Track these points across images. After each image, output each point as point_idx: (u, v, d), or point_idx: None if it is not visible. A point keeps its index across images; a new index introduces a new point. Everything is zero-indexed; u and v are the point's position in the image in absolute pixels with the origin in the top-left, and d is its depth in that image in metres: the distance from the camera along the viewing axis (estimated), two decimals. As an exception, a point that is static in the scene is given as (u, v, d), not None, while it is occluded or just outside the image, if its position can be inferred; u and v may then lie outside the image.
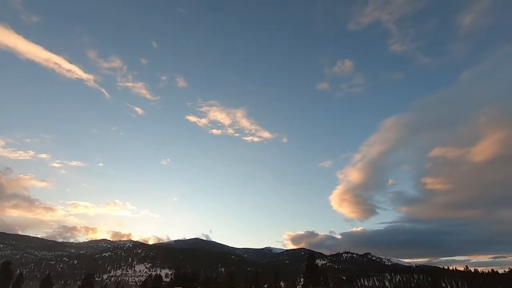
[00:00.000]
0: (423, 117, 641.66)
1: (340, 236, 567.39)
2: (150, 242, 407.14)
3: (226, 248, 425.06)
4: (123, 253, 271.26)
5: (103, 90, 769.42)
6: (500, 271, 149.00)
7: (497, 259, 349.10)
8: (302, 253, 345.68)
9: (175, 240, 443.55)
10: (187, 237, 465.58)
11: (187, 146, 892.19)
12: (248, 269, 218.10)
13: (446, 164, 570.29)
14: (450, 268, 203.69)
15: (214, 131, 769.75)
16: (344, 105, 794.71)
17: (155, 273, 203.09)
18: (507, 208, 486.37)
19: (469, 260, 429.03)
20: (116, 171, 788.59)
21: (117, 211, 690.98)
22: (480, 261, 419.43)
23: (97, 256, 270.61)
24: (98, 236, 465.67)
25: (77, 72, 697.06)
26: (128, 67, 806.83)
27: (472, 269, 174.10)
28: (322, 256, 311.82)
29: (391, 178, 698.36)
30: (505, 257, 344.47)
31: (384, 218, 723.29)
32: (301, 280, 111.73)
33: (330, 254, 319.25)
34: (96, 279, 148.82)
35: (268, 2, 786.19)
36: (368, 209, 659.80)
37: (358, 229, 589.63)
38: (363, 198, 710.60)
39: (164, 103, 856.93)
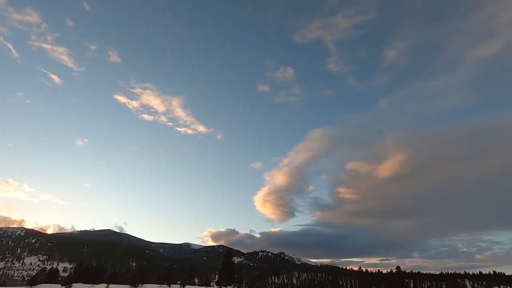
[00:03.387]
0: (345, 132, 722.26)
1: (259, 235, 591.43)
2: (49, 232, 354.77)
3: (140, 242, 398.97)
4: (10, 242, 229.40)
5: (9, 45, 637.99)
6: (384, 271, 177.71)
7: (383, 261, 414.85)
8: (221, 250, 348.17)
9: (81, 231, 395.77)
10: (97, 228, 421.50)
11: (110, 128, 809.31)
12: (163, 264, 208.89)
13: (357, 177, 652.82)
14: (348, 268, 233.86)
15: (145, 116, 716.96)
16: (280, 111, 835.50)
17: (51, 266, 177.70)
18: (395, 219, 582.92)
19: (363, 261, 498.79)
20: (14, 145, 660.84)
21: (9, 192, 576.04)
22: (371, 263, 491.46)
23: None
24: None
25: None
26: (48, 26, 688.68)
27: (364, 269, 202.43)
28: (239, 253, 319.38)
29: (311, 185, 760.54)
30: (389, 260, 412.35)
31: (301, 221, 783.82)
32: (216, 277, 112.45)
33: (247, 252, 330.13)
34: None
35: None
36: (287, 211, 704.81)
37: (277, 229, 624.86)
38: (285, 201, 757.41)
39: (89, 76, 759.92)
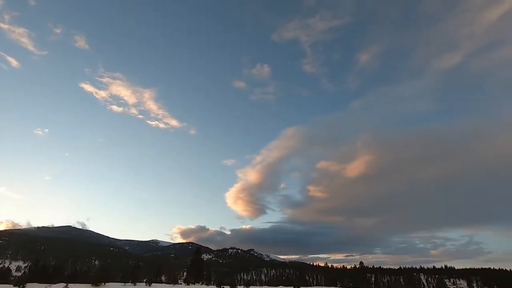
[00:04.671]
0: (318, 132, 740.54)
1: (229, 232, 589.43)
2: (1, 228, 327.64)
3: (105, 239, 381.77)
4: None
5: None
6: (349, 267, 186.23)
7: (348, 257, 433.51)
8: (190, 247, 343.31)
9: (38, 227, 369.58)
10: (57, 224, 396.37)
11: (75, 117, 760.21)
12: (129, 262, 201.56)
13: (327, 176, 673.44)
14: (314, 264, 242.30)
15: (114, 107, 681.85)
16: (255, 108, 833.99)
17: (2, 265, 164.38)
18: (360, 217, 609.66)
19: (329, 257, 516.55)
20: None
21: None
22: (336, 259, 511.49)
23: None
24: None
25: None
26: (6, 3, 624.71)
27: (330, 265, 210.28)
28: (209, 251, 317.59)
29: (283, 182, 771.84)
30: (353, 255, 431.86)
31: (271, 218, 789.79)
32: (185, 274, 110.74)
33: (217, 249, 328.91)
34: None
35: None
36: (259, 208, 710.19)
37: (247, 226, 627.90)
38: (256, 198, 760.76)
39: (52, 61, 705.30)
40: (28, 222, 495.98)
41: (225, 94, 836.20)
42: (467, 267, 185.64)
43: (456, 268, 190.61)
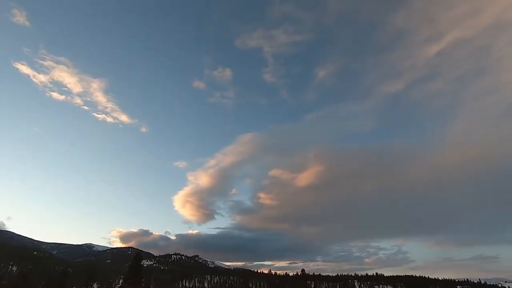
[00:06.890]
0: (273, 141, 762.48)
1: (174, 237, 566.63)
2: None
3: (27, 242, 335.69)
4: None
5: None
6: (291, 274, 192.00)
7: (291, 264, 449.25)
8: (129, 252, 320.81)
9: None
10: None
11: (5, 101, 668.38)
12: (55, 268, 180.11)
13: (278, 184, 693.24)
14: (259, 271, 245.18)
15: (55, 94, 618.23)
16: (213, 111, 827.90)
17: None
18: (306, 225, 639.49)
19: (273, 264, 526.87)
20: None
21: None
22: (280, 266, 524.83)
23: None
24: None
25: None
26: None
27: (273, 272, 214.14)
28: (150, 256, 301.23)
29: (234, 188, 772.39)
30: (296, 263, 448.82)
31: (220, 224, 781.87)
32: (121, 281, 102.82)
33: (159, 255, 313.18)
34: None
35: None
36: (208, 213, 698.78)
37: (194, 232, 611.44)
38: (206, 203, 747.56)
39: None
40: None
41: (183, 93, 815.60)
42: (394, 274, 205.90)
43: (385, 275, 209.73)
